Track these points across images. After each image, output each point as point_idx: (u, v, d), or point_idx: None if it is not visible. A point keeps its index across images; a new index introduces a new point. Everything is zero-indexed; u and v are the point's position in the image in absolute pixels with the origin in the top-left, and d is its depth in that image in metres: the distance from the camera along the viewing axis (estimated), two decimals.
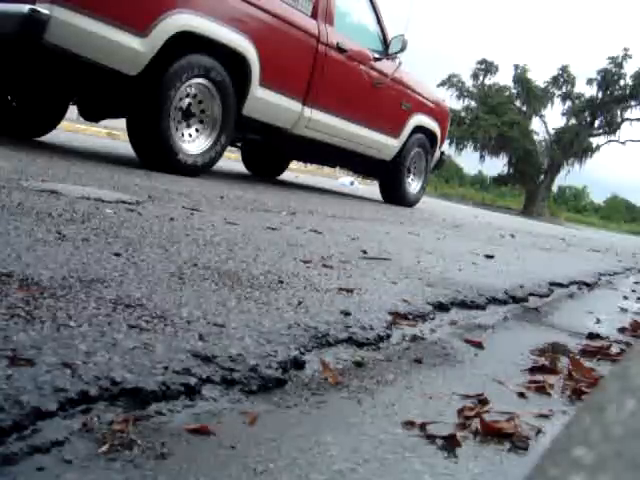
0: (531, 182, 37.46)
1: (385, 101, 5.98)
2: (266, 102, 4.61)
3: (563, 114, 38.02)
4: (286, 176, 7.95)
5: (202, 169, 4.27)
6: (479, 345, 1.35)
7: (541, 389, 1.11)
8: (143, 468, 0.62)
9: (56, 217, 1.72)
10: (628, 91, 35.46)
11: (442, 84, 37.82)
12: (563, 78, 37.75)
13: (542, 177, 37.45)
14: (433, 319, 1.52)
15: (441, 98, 7.49)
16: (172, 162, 3.99)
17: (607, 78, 35.91)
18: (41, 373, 0.73)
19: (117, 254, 1.42)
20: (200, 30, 3.89)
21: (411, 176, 6.88)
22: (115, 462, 0.62)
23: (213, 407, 0.80)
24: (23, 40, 3.34)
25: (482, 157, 37.90)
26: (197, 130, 4.21)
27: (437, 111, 6.84)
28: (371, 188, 10.92)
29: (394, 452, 0.76)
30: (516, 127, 36.02)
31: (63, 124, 5.59)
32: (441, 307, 1.63)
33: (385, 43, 5.91)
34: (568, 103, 37.80)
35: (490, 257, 3.02)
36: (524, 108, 38.16)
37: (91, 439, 0.65)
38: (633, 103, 35.57)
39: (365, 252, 2.32)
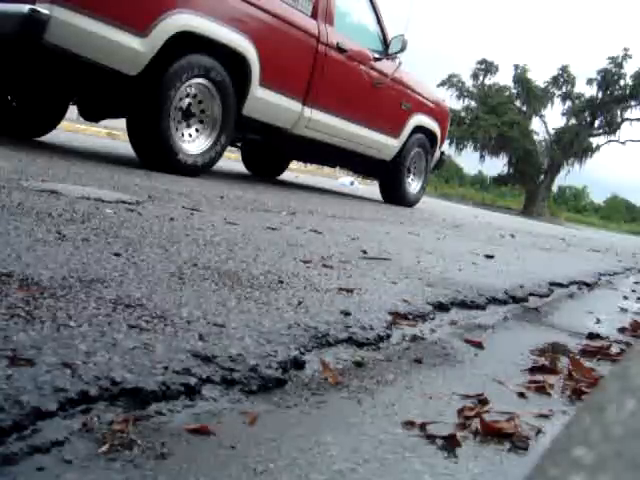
0: (531, 182, 37.46)
1: (385, 101, 5.98)
2: (266, 102, 4.61)
3: (563, 114, 38.06)
4: (286, 176, 7.95)
5: (202, 169, 4.27)
6: (479, 345, 1.35)
7: (541, 389, 1.11)
8: (143, 468, 0.62)
9: (56, 217, 1.72)
10: (628, 91, 35.46)
11: (442, 84, 37.84)
12: (563, 78, 37.76)
13: (542, 177, 37.45)
14: (433, 319, 1.52)
15: (441, 98, 7.49)
16: (172, 162, 3.99)
17: (607, 78, 35.91)
18: (41, 373, 0.73)
19: (117, 254, 1.42)
20: (200, 30, 3.89)
21: (411, 176, 6.88)
22: (115, 462, 0.62)
23: (213, 407, 0.80)
24: (23, 40, 3.34)
25: (482, 157, 37.93)
26: (197, 130, 4.21)
27: (437, 111, 6.84)
28: (371, 188, 10.92)
29: (394, 452, 0.76)
30: (516, 127, 36.03)
31: (63, 124, 5.59)
32: (441, 307, 1.63)
33: (385, 43, 5.91)
34: (568, 103, 37.83)
35: (490, 257, 3.02)
36: (524, 108, 38.17)
37: (91, 439, 0.65)
38: (633, 103, 35.58)
39: (365, 252, 2.32)
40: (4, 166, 2.56)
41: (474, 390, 1.03)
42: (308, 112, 5.07)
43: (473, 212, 11.78)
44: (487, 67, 38.86)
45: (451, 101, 36.32)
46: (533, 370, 1.23)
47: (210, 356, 0.90)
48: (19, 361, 0.74)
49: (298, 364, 0.99)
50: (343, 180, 13.70)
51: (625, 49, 35.76)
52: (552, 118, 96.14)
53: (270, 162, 7.07)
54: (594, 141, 37.07)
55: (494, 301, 1.88)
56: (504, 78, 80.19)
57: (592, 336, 1.64)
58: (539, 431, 0.90)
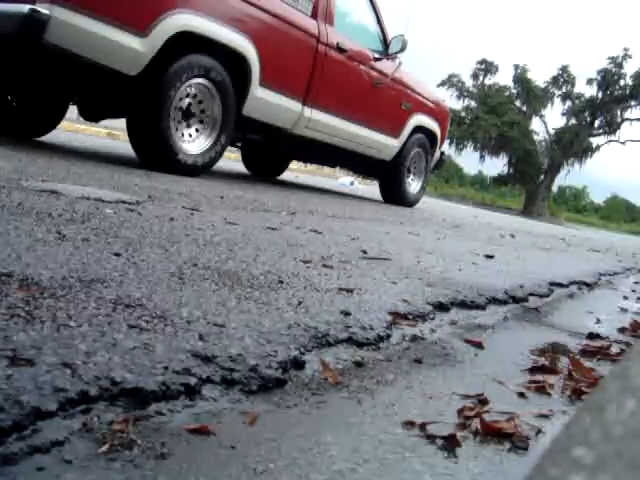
0: (531, 182, 37.47)
1: (385, 101, 5.98)
2: (266, 102, 4.61)
3: (563, 114, 38.06)
4: (286, 176, 7.95)
5: (202, 169, 4.27)
6: (479, 345, 1.35)
7: (541, 389, 1.11)
8: (143, 468, 0.62)
9: (56, 217, 1.72)
10: (628, 91, 35.47)
11: (442, 84, 37.85)
12: (563, 78, 37.77)
13: (542, 177, 37.46)
14: (433, 319, 1.52)
15: (441, 98, 7.49)
16: (172, 162, 3.99)
17: (607, 78, 35.91)
18: (41, 373, 0.73)
19: (117, 254, 1.42)
20: (200, 30, 3.89)
21: (411, 176, 6.88)
22: (115, 462, 0.62)
23: (213, 407, 0.80)
24: (23, 40, 3.34)
25: (482, 157, 37.94)
26: (197, 130, 4.21)
27: (437, 111, 6.85)
28: (371, 188, 10.92)
29: (394, 452, 0.76)
30: (516, 127, 36.03)
31: (63, 124, 5.59)
32: (441, 307, 1.63)
33: (385, 43, 5.91)
34: (568, 103, 37.83)
35: (490, 257, 3.02)
36: (524, 108, 38.18)
37: (91, 439, 0.65)
38: (633, 103, 35.58)
39: (365, 252, 2.32)
40: (4, 166, 2.56)
41: (474, 390, 1.03)
42: (308, 112, 5.07)
43: (473, 212, 11.79)
44: (487, 67, 38.87)
45: (451, 101, 36.36)
46: (533, 370, 1.23)
47: (210, 356, 0.90)
48: (19, 361, 0.74)
49: (298, 364, 0.99)
50: (343, 180, 13.70)
51: (625, 49, 35.81)
52: (552, 118, 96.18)
53: (270, 162, 7.07)
54: (594, 141, 37.13)
55: (494, 301, 1.88)
56: (504, 78, 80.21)
57: (592, 336, 1.64)
58: (539, 431, 0.90)
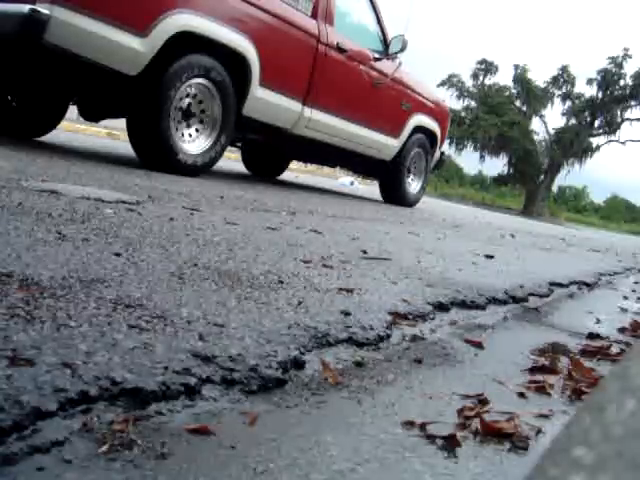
0: (531, 182, 37.46)
1: (385, 101, 5.98)
2: (266, 102, 4.61)
3: (563, 114, 38.05)
4: (286, 176, 7.95)
5: (202, 169, 4.27)
6: (479, 345, 1.35)
7: (541, 389, 1.11)
8: (143, 468, 0.62)
9: (56, 217, 1.72)
10: (628, 91, 35.46)
11: (442, 84, 37.85)
12: (563, 78, 37.76)
13: (542, 177, 37.45)
14: (433, 319, 1.52)
15: (441, 98, 7.49)
16: (172, 162, 3.99)
17: (607, 78, 35.91)
18: (41, 373, 0.73)
19: (117, 254, 1.42)
20: (200, 30, 3.89)
21: (411, 176, 6.88)
22: (115, 462, 0.62)
23: (213, 407, 0.80)
24: (23, 40, 3.34)
25: (482, 157, 37.93)
26: (197, 130, 4.21)
27: (437, 111, 6.84)
28: (371, 188, 10.92)
29: (394, 452, 0.76)
30: (516, 127, 36.03)
31: (63, 124, 5.59)
32: (441, 307, 1.63)
33: (385, 43, 5.91)
34: (568, 103, 37.82)
35: (490, 257, 3.02)
36: (524, 108, 38.17)
37: (91, 439, 0.65)
38: (633, 103, 35.58)
39: (365, 252, 2.32)
40: (4, 166, 2.56)
41: (474, 390, 1.03)
42: (308, 112, 5.07)
43: (473, 212, 11.79)
44: (487, 67, 38.86)
45: (451, 101, 36.36)
46: (533, 370, 1.23)
47: (210, 356, 0.90)
48: (19, 361, 0.74)
49: (298, 364, 0.99)
50: (343, 180, 13.70)
51: (625, 49, 35.79)
52: (552, 118, 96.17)
53: (270, 162, 7.07)
54: (594, 141, 37.12)
55: (494, 301, 1.88)
56: (504, 78, 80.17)
57: (592, 336, 1.64)
58: (539, 431, 0.90)
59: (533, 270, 2.87)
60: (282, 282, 1.50)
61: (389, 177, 6.66)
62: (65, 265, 1.23)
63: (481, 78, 38.81)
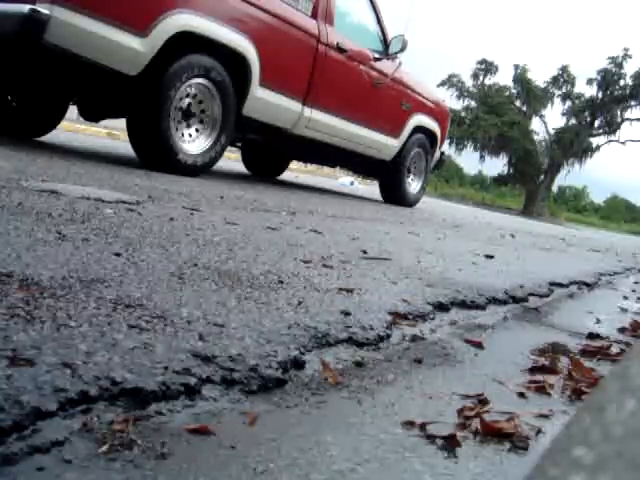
0: (531, 182, 37.46)
1: (385, 101, 5.98)
2: (266, 102, 4.61)
3: (563, 114, 38.06)
4: (286, 176, 7.95)
5: (202, 169, 4.27)
6: (479, 345, 1.35)
7: (541, 389, 1.11)
8: (143, 468, 0.62)
9: (56, 217, 1.72)
10: (628, 91, 35.46)
11: (442, 84, 37.85)
12: (563, 78, 37.76)
13: (542, 177, 37.45)
14: (433, 319, 1.52)
15: (441, 98, 7.49)
16: (172, 162, 3.99)
17: (607, 78, 35.91)
18: (41, 373, 0.73)
19: (117, 254, 1.42)
20: (200, 30, 3.89)
21: (411, 176, 6.88)
22: (115, 462, 0.62)
23: (213, 407, 0.80)
24: (23, 40, 3.34)
25: (482, 157, 37.93)
26: (197, 130, 4.21)
27: (437, 111, 6.84)
28: (371, 188, 10.92)
29: (394, 452, 0.76)
30: (516, 127, 36.03)
31: (63, 124, 5.59)
32: (441, 307, 1.63)
33: (385, 43, 5.91)
34: (568, 103, 37.83)
35: (490, 257, 3.02)
36: (524, 108, 38.17)
37: (91, 439, 0.65)
38: (633, 103, 35.58)
39: (365, 252, 2.32)
40: (4, 166, 2.56)
41: (474, 390, 1.03)
42: (308, 112, 5.07)
43: (473, 212, 11.79)
44: (487, 67, 38.86)
45: (451, 101, 36.36)
46: (533, 370, 1.23)
47: (210, 356, 0.90)
48: (19, 361, 0.74)
49: (298, 364, 0.99)
50: (343, 180, 13.70)
51: (625, 49, 35.80)
52: (552, 118, 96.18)
53: (270, 162, 7.07)
54: (594, 141, 37.12)
55: (494, 301, 1.88)
56: (504, 78, 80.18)
57: (592, 336, 1.64)
58: (539, 431, 0.90)
59: (533, 270, 2.87)
60: (282, 282, 1.50)
61: (389, 177, 6.66)
62: (65, 265, 1.23)
63: (481, 78, 38.83)
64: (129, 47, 3.56)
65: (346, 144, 5.73)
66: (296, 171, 12.48)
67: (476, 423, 0.88)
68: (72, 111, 4.96)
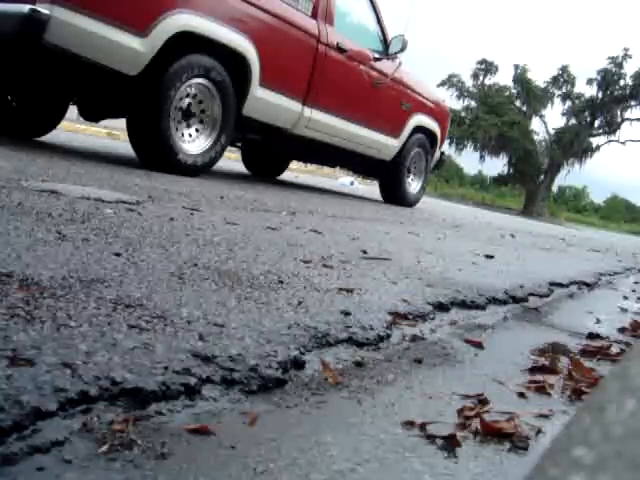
0: (531, 182, 37.47)
1: (385, 101, 5.98)
2: (266, 102, 4.61)
3: (563, 114, 38.06)
4: (286, 176, 7.95)
5: (202, 169, 4.27)
6: (479, 345, 1.35)
7: (541, 389, 1.11)
8: (143, 468, 0.62)
9: (56, 217, 1.72)
10: (628, 91, 35.47)
11: (442, 84, 37.85)
12: (563, 78, 37.77)
13: (542, 177, 37.46)
14: (433, 319, 1.52)
15: (441, 98, 7.49)
16: (172, 162, 3.99)
17: (607, 78, 35.91)
18: (41, 373, 0.73)
19: (117, 254, 1.42)
20: (200, 30, 3.89)
21: (411, 176, 6.88)
22: (115, 462, 0.62)
23: (213, 407, 0.80)
24: (23, 40, 3.34)
25: (482, 157, 37.93)
26: (197, 130, 4.21)
27: (437, 111, 6.84)
28: (371, 188, 10.92)
29: (394, 452, 0.76)
30: (516, 127, 36.03)
31: (63, 124, 5.59)
32: (441, 307, 1.63)
33: (385, 43, 5.91)
34: (568, 103, 37.83)
35: (490, 257, 3.02)
36: (524, 108, 38.17)
37: (91, 439, 0.65)
38: (633, 103, 35.58)
39: (365, 252, 2.32)
40: (4, 166, 2.56)
41: (474, 390, 1.03)
42: (308, 112, 5.07)
43: (473, 212, 11.79)
44: (487, 67, 38.86)
45: (451, 101, 36.36)
46: (533, 370, 1.23)
47: (210, 356, 0.90)
48: (19, 361, 0.74)
49: (298, 364, 0.99)
50: (343, 180, 13.70)
51: (625, 49, 35.80)
52: (552, 118, 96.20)
53: (270, 162, 7.07)
54: (594, 141, 37.13)
55: (494, 301, 1.88)
56: (504, 78, 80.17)
57: (592, 336, 1.64)
58: (539, 431, 0.90)
59: (533, 270, 2.87)
60: (282, 282, 1.50)
61: (389, 177, 6.66)
62: (65, 265, 1.23)
63: (481, 78, 38.83)
64: (129, 47, 3.56)
65: (346, 144, 5.74)
66: (296, 171, 12.48)
67: (476, 423, 0.88)
68: (72, 111, 4.96)
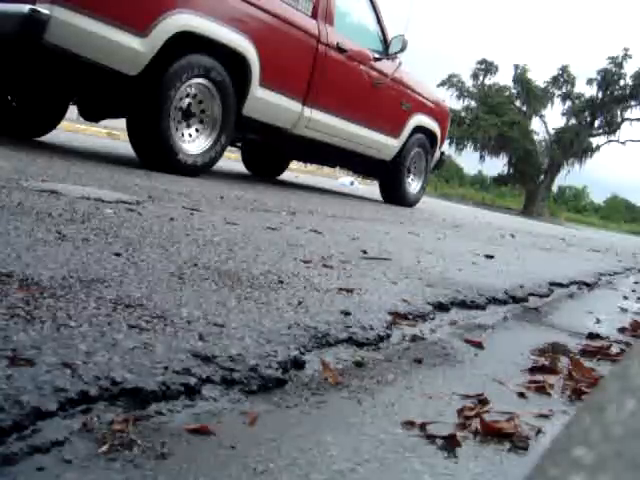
0: (531, 182, 37.47)
1: (385, 101, 5.98)
2: (266, 102, 4.61)
3: (563, 114, 38.06)
4: (286, 176, 7.95)
5: (202, 169, 4.27)
6: (479, 345, 1.35)
7: (541, 389, 1.11)
8: (143, 468, 0.62)
9: (56, 217, 1.72)
10: (628, 91, 35.47)
11: (442, 84, 37.85)
12: (563, 78, 37.77)
13: (542, 177, 37.46)
14: (433, 319, 1.52)
15: (441, 98, 7.49)
16: (172, 162, 3.99)
17: (607, 78, 35.91)
18: (41, 373, 0.73)
19: (117, 254, 1.42)
20: (200, 30, 3.89)
21: (411, 176, 6.88)
22: (115, 462, 0.62)
23: (213, 407, 0.80)
24: (23, 40, 3.34)
25: (482, 157, 37.93)
26: (197, 130, 4.21)
27: (437, 111, 6.84)
28: (371, 188, 10.92)
29: (394, 452, 0.76)
30: (516, 127, 36.03)
31: (63, 124, 5.59)
32: (441, 307, 1.63)
33: (385, 43, 5.91)
34: (568, 103, 37.83)
35: (490, 257, 3.02)
36: (524, 108, 38.17)
37: (91, 439, 0.65)
38: (633, 103, 35.58)
39: (365, 252, 2.32)
40: (4, 166, 2.56)
41: (474, 390, 1.03)
42: (308, 112, 5.07)
43: (473, 212, 11.79)
44: (487, 67, 38.87)
45: (451, 101, 36.36)
46: (533, 370, 1.23)
47: (210, 356, 0.90)
48: (19, 361, 0.74)
49: (298, 364, 0.99)
50: (343, 180, 13.70)
51: (625, 49, 35.80)
52: (552, 118, 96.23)
53: (270, 162, 7.07)
54: (594, 141, 37.13)
55: (494, 301, 1.88)
56: (504, 78, 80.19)
57: (592, 336, 1.64)
58: (539, 431, 0.90)
59: (533, 270, 2.87)
60: (282, 282, 1.50)
61: (389, 177, 6.66)
62: (65, 265, 1.23)
63: (481, 78, 38.83)
64: (129, 47, 3.56)
65: (346, 144, 5.73)
66: (296, 171, 12.47)
67: (476, 423, 0.88)
68: (72, 111, 4.96)
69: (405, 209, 6.40)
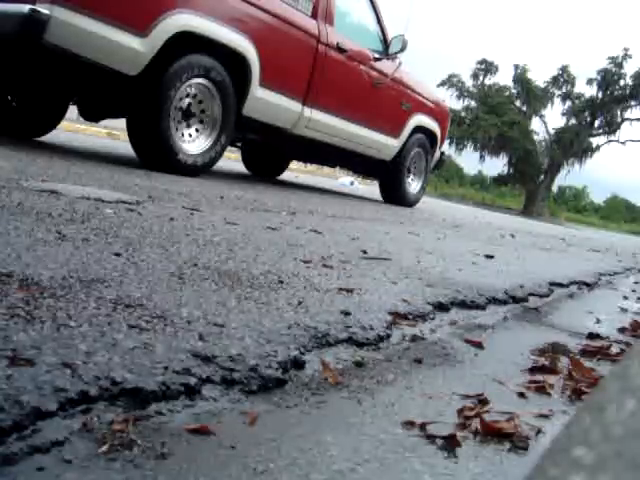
0: (531, 182, 37.47)
1: (385, 101, 5.98)
2: (266, 102, 4.61)
3: (563, 114, 38.06)
4: (286, 176, 7.95)
5: (202, 169, 4.27)
6: (479, 345, 1.35)
7: (541, 389, 1.11)
8: (143, 468, 0.62)
9: (56, 217, 1.72)
10: (628, 91, 35.47)
11: (442, 84, 37.85)
12: (563, 78, 37.77)
13: (542, 177, 37.46)
14: (433, 319, 1.52)
15: (441, 98, 7.49)
16: (172, 162, 3.99)
17: (607, 78, 35.92)
18: (41, 373, 0.73)
19: (117, 254, 1.42)
20: (200, 30, 3.89)
21: (411, 176, 6.88)
22: (115, 462, 0.62)
23: (213, 407, 0.80)
24: (23, 40, 3.34)
25: (482, 157, 37.94)
26: (197, 130, 4.21)
27: (437, 111, 6.84)
28: (371, 188, 10.92)
29: (394, 452, 0.76)
30: (516, 127, 36.04)
31: (63, 124, 5.59)
32: (441, 307, 1.63)
33: (385, 43, 5.91)
34: (568, 103, 37.84)
35: (490, 257, 3.02)
36: (524, 108, 38.18)
37: (91, 439, 0.65)
38: (633, 103, 35.59)
39: (365, 252, 2.32)
40: (4, 166, 2.56)
41: (474, 390, 1.03)
42: (308, 112, 5.07)
43: (473, 212, 11.79)
44: (487, 67, 38.87)
45: (451, 101, 36.36)
46: (533, 370, 1.23)
47: (210, 356, 0.90)
48: (19, 361, 0.74)
49: (298, 364, 0.99)
50: (343, 180, 13.70)
51: (625, 49, 35.82)
52: (552, 118, 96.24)
53: (270, 162, 7.07)
54: (594, 141, 37.14)
55: (494, 301, 1.88)
56: (504, 78, 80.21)
57: (592, 336, 1.64)
58: (539, 431, 0.90)
59: (533, 270, 2.87)
60: (282, 282, 1.50)
61: (389, 177, 6.66)
62: (65, 265, 1.23)
63: (481, 78, 38.84)
64: (129, 47, 3.56)
65: (346, 144, 5.73)
66: (296, 171, 12.47)
67: (476, 423, 0.88)
68: (72, 111, 4.96)
69: (405, 209, 6.40)
